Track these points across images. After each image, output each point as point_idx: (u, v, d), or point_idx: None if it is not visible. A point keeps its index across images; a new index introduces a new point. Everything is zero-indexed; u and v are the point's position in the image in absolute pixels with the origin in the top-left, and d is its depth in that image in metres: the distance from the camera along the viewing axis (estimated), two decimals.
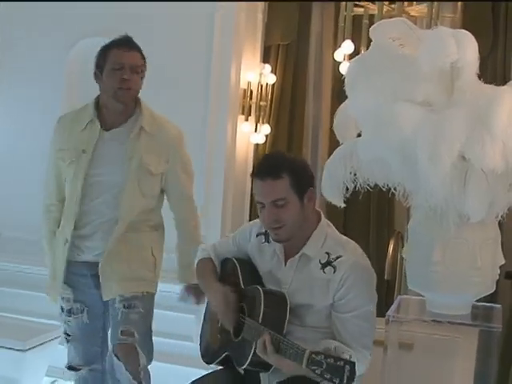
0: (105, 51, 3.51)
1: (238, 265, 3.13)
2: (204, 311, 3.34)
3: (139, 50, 3.52)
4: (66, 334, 3.71)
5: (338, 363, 2.49)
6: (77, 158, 3.50)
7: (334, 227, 3.02)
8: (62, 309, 3.68)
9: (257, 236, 3.11)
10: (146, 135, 3.53)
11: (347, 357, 2.63)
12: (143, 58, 3.53)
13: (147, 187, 3.56)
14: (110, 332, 3.63)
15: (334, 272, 2.85)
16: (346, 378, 2.47)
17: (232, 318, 2.98)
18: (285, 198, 2.81)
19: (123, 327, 3.48)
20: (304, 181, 2.84)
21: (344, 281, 2.83)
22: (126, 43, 3.50)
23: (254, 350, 2.77)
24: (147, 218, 3.62)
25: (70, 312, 3.64)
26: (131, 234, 3.54)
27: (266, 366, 2.79)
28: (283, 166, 2.83)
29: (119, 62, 3.46)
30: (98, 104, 3.59)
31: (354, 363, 2.51)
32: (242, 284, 3.06)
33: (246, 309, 2.96)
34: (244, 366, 2.88)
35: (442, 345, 3.93)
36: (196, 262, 3.32)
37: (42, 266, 3.92)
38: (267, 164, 2.90)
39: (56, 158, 3.61)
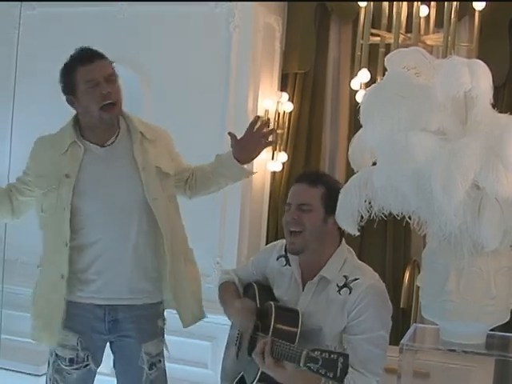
0: (70, 72, 3.22)
1: (256, 287, 3.18)
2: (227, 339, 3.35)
3: (103, 57, 3.24)
4: None
5: (332, 356, 2.52)
6: (58, 185, 3.21)
7: (354, 253, 3.09)
8: (58, 356, 3.29)
9: (277, 259, 3.17)
10: (146, 140, 3.32)
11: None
12: (110, 62, 3.26)
13: (169, 191, 3.39)
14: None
15: (350, 293, 2.89)
16: (339, 370, 2.50)
17: (253, 324, 3.01)
18: (311, 205, 2.93)
19: None
20: (334, 203, 2.87)
21: (358, 302, 2.87)
22: (88, 56, 3.23)
23: None
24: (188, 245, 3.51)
25: (72, 362, 3.26)
26: (188, 264, 3.44)
27: (276, 382, 2.79)
28: (322, 179, 3.00)
29: (91, 78, 3.17)
30: (76, 124, 3.31)
31: (347, 356, 2.53)
32: (258, 304, 3.09)
33: (260, 326, 2.99)
34: (254, 382, 2.88)
35: (457, 374, 3.91)
36: (218, 285, 3.36)
37: None
38: (309, 172, 3.17)
39: (33, 182, 3.33)
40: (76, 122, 3.33)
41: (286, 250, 3.13)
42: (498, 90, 4.79)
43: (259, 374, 2.83)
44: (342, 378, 2.52)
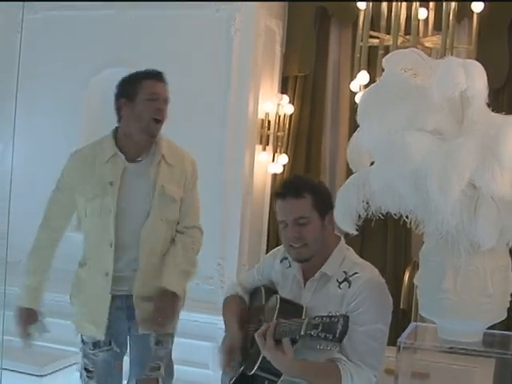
0: (135, 81, 3.51)
1: (263, 289, 3.21)
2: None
3: (166, 82, 3.55)
4: (86, 369, 3.60)
5: (333, 319, 2.55)
6: (103, 192, 3.49)
7: (352, 250, 3.09)
8: (84, 342, 3.60)
9: (281, 262, 3.19)
10: (165, 163, 3.56)
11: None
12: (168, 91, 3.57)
13: (171, 214, 3.60)
14: (131, 364, 3.69)
15: (349, 287, 2.91)
16: (338, 332, 2.52)
17: (227, 364, 3.05)
18: (307, 217, 2.92)
19: (153, 364, 3.55)
20: (325, 202, 2.94)
21: (357, 295, 2.87)
22: (157, 75, 3.53)
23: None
24: None
25: (95, 345, 3.56)
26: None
27: (276, 372, 2.80)
28: (304, 186, 2.96)
29: (154, 92, 3.48)
30: (116, 136, 3.58)
31: (347, 317, 2.57)
32: (263, 300, 3.13)
33: (263, 320, 3.01)
34: (253, 370, 2.88)
35: (457, 375, 3.92)
36: (224, 298, 3.38)
37: (60, 292, 3.96)
38: (289, 185, 3.04)
39: (73, 194, 3.59)
40: (115, 135, 3.60)
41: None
42: (497, 92, 4.84)
43: (260, 359, 2.83)
44: (341, 339, 2.55)
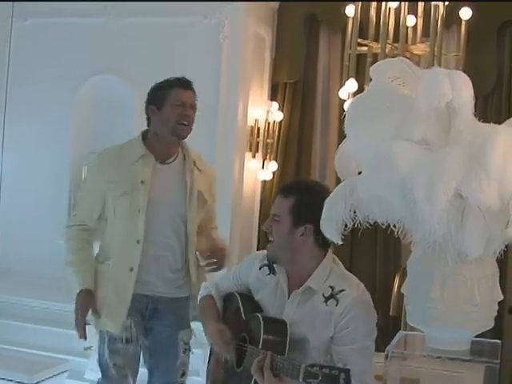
0: (164, 89, 3.73)
1: (239, 298, 3.19)
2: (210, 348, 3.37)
3: (193, 89, 3.77)
4: (115, 366, 3.69)
5: (333, 372, 2.49)
6: (132, 190, 3.64)
7: (340, 264, 3.09)
8: (112, 338, 3.68)
9: (260, 268, 3.17)
10: (197, 169, 3.80)
11: None
12: (196, 98, 3.79)
13: (203, 215, 3.86)
14: (159, 369, 3.84)
15: (337, 305, 2.91)
16: None
17: (229, 352, 3.03)
18: (279, 216, 2.97)
19: (181, 370, 3.84)
20: (304, 214, 2.93)
21: (346, 313, 2.89)
22: (184, 83, 3.75)
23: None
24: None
25: (128, 341, 3.69)
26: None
27: None
28: (296, 189, 3.01)
29: (181, 99, 3.70)
30: (144, 139, 3.78)
31: (348, 370, 2.50)
32: (243, 315, 3.11)
33: (247, 338, 3.00)
34: None
35: (446, 381, 3.92)
36: (199, 299, 3.39)
37: (50, 300, 3.98)
38: (289, 183, 3.18)
39: (104, 189, 3.72)
40: (143, 137, 3.80)
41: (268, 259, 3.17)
42: (486, 98, 4.86)
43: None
44: None
